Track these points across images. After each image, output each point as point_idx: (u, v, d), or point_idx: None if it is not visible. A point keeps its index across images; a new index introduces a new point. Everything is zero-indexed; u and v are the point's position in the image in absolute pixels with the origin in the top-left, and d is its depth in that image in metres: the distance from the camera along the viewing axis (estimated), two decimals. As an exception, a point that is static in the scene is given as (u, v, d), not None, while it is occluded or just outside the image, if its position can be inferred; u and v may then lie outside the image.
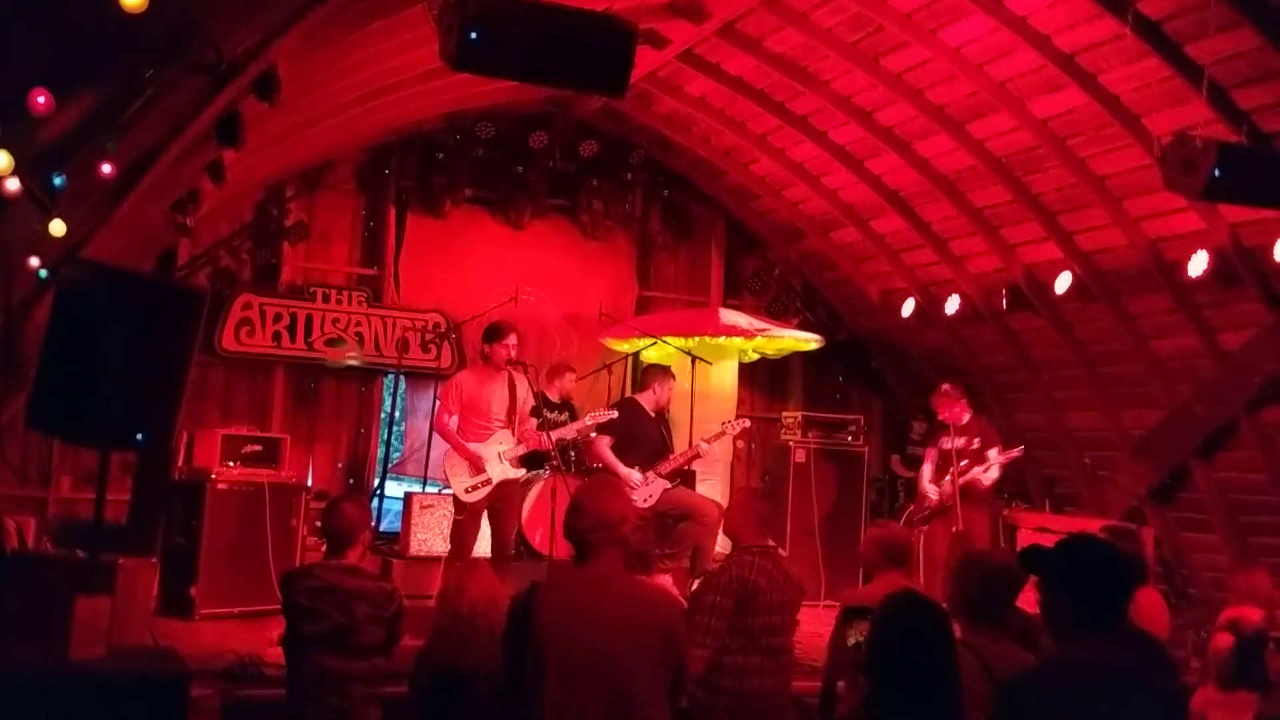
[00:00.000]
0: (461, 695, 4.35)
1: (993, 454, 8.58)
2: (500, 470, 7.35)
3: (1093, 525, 7.51)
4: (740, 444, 11.15)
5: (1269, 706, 5.03)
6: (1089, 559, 2.98)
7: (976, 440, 8.64)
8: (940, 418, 8.75)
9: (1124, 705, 2.78)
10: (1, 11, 3.55)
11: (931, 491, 8.68)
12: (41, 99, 3.80)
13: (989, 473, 8.50)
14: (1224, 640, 5.62)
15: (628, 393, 10.08)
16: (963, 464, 8.46)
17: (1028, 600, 3.60)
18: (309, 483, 8.95)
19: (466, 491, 7.28)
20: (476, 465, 7.31)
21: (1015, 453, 8.62)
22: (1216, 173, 5.94)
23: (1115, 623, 2.92)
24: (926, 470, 8.87)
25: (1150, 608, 5.51)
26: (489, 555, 7.42)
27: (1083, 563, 2.96)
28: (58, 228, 4.56)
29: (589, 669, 3.37)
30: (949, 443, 8.58)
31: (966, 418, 8.70)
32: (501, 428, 7.46)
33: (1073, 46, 7.44)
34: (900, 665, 2.91)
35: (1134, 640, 3.13)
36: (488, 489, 7.29)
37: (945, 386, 8.79)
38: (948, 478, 8.46)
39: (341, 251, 10.34)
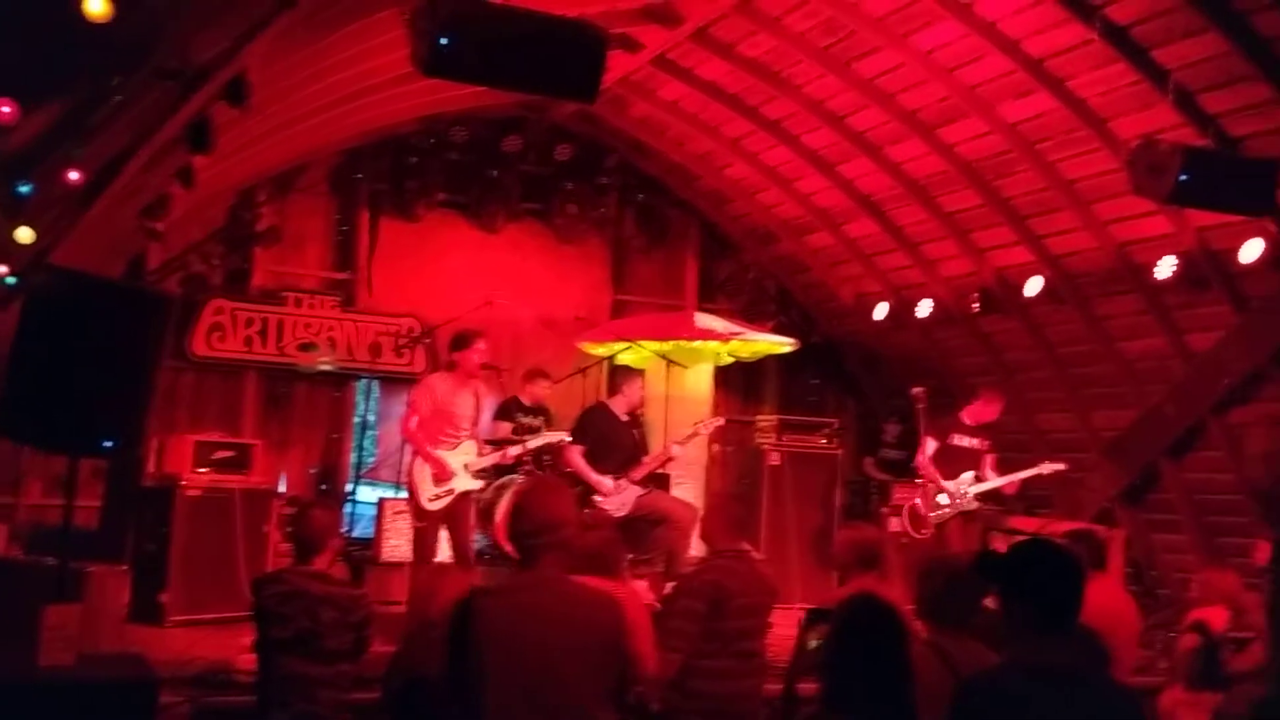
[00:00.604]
0: (433, 700, 4.34)
1: (988, 461, 8.70)
2: (464, 482, 7.29)
3: (1062, 528, 7.60)
4: (715, 447, 11.17)
5: (1228, 704, 5.09)
6: (1039, 563, 3.02)
7: (987, 443, 8.71)
8: (979, 412, 8.69)
9: (1078, 705, 2.82)
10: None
11: (954, 487, 8.56)
12: (6, 109, 3.78)
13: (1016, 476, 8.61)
14: (1191, 641, 5.68)
15: (603, 397, 10.08)
16: (979, 470, 8.58)
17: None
18: (281, 488, 8.90)
19: (430, 500, 7.18)
20: (444, 474, 7.21)
21: (1059, 465, 8.70)
22: (1183, 177, 6.03)
23: (1069, 624, 2.96)
24: (929, 445, 8.63)
25: (1118, 608, 5.56)
26: (449, 559, 7.38)
27: (1033, 567, 3.01)
28: (25, 235, 4.54)
29: (529, 675, 3.33)
30: (962, 440, 8.64)
31: (985, 422, 8.75)
32: (468, 438, 7.39)
33: (1042, 52, 7.50)
34: (853, 667, 2.94)
35: (1078, 639, 3.17)
36: (449, 499, 7.22)
37: (999, 393, 8.84)
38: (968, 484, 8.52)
39: (314, 255, 10.29)
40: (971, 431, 8.71)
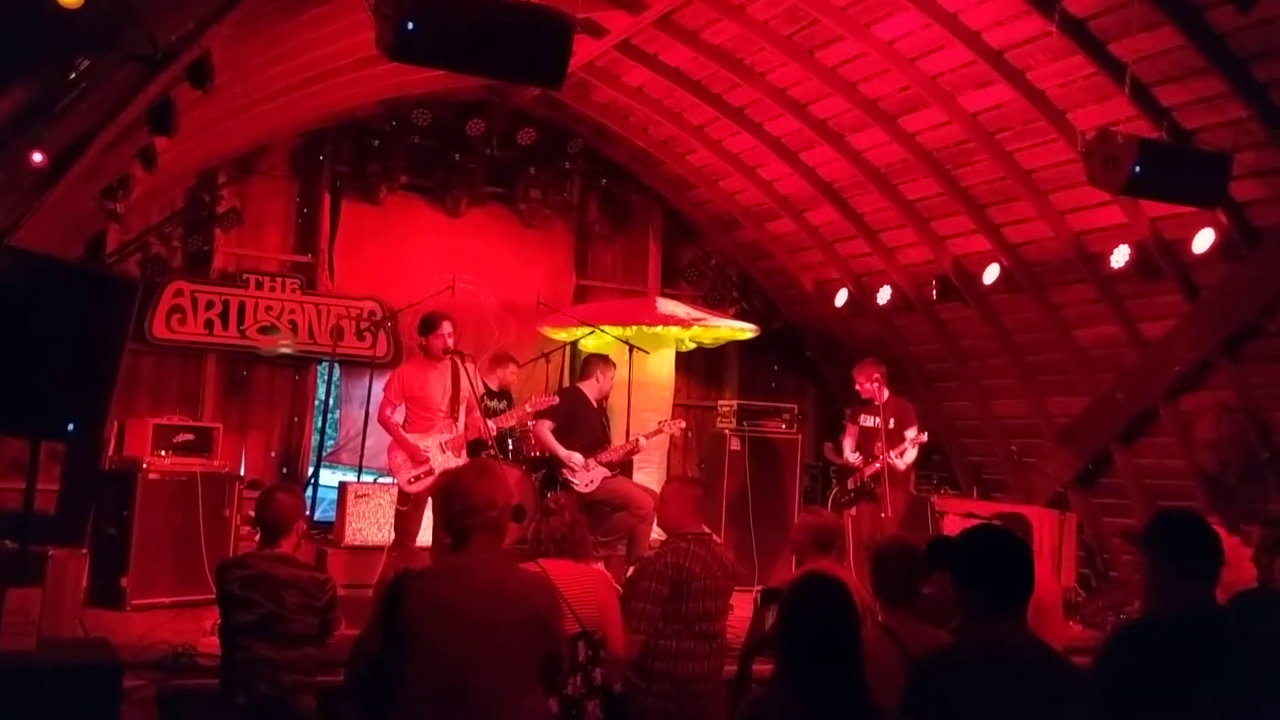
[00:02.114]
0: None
1: (910, 434, 8.76)
2: (443, 460, 7.35)
3: (991, 510, 7.75)
4: (677, 435, 11.25)
5: None
6: (990, 548, 3.12)
7: (892, 420, 8.76)
8: (857, 388, 8.89)
9: (1029, 682, 2.92)
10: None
11: (854, 459, 8.83)
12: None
13: (904, 457, 8.67)
14: (1140, 622, 5.80)
15: (565, 382, 10.12)
16: (877, 446, 8.62)
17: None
18: (242, 472, 8.87)
19: (410, 482, 7.29)
20: (418, 457, 7.32)
21: (922, 437, 8.79)
22: (1137, 169, 6.13)
23: (1020, 604, 3.06)
24: (847, 445, 9.05)
25: (1043, 587, 5.68)
26: (430, 543, 7.43)
27: (985, 551, 3.10)
28: (-15, 216, 4.51)
29: (456, 656, 3.34)
30: (867, 420, 8.73)
31: (884, 396, 8.76)
32: (444, 418, 7.47)
33: (1001, 43, 7.60)
34: (804, 643, 3.01)
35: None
36: (430, 479, 7.29)
37: (867, 361, 8.93)
38: (875, 461, 8.62)
39: (275, 238, 10.23)
40: (874, 411, 8.75)
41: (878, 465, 8.56)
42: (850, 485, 8.88)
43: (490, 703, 3.35)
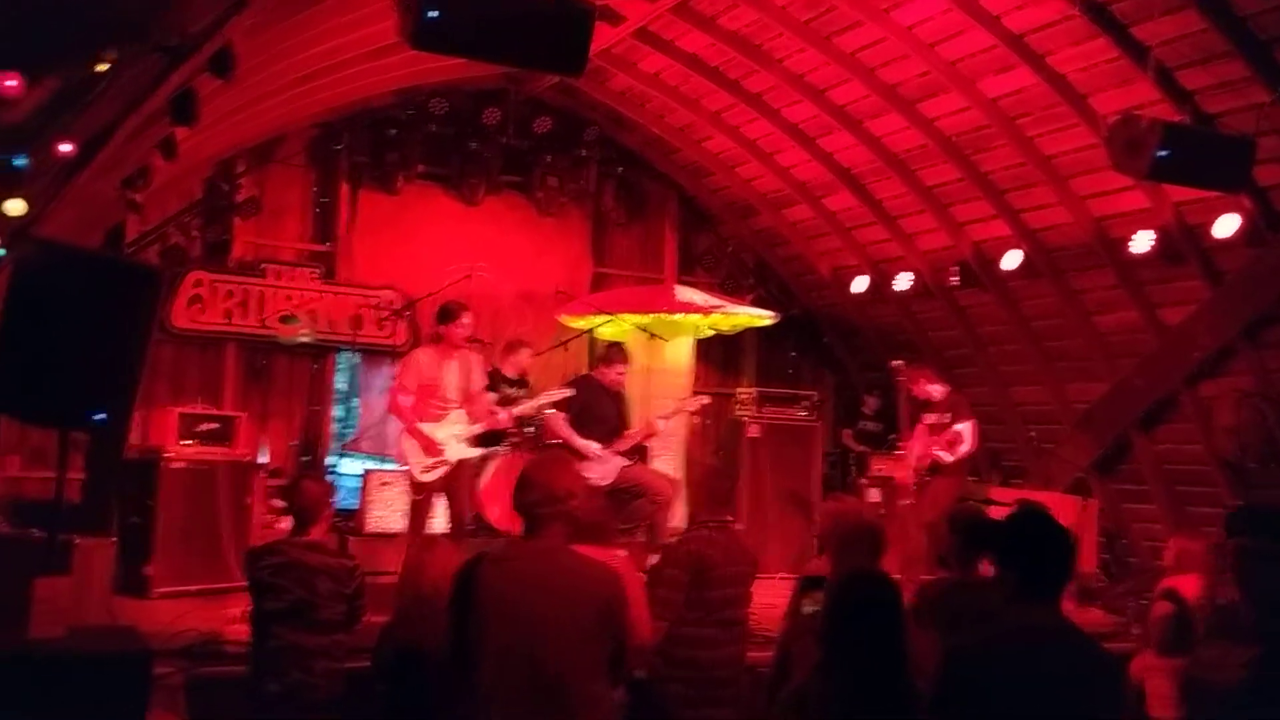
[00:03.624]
0: (424, 671, 4.41)
1: (964, 429, 8.45)
2: (457, 450, 7.32)
3: (1036, 497, 7.65)
4: (695, 419, 11.25)
5: (1192, 667, 5.21)
6: (1030, 533, 3.14)
7: (948, 415, 8.57)
8: (914, 394, 8.68)
9: (1063, 665, 2.94)
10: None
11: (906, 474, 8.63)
12: (12, 82, 3.77)
13: (958, 449, 8.40)
14: (1163, 608, 5.80)
15: (584, 370, 10.12)
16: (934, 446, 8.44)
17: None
18: (262, 460, 8.90)
19: (423, 472, 7.22)
20: (431, 449, 7.24)
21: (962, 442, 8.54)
22: (1161, 153, 6.08)
23: (1057, 589, 3.08)
24: (916, 448, 8.63)
25: None
26: (446, 532, 7.43)
27: (1025, 537, 3.12)
28: (15, 207, 4.52)
29: (526, 641, 3.42)
30: (930, 418, 8.56)
31: (940, 392, 8.62)
32: (455, 408, 7.41)
33: (1022, 27, 7.56)
34: (851, 637, 3.05)
35: None
36: (444, 469, 7.26)
37: (900, 364, 8.76)
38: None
39: (293, 227, 10.24)
40: (935, 408, 8.61)
41: (929, 459, 8.37)
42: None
43: (560, 684, 3.43)
